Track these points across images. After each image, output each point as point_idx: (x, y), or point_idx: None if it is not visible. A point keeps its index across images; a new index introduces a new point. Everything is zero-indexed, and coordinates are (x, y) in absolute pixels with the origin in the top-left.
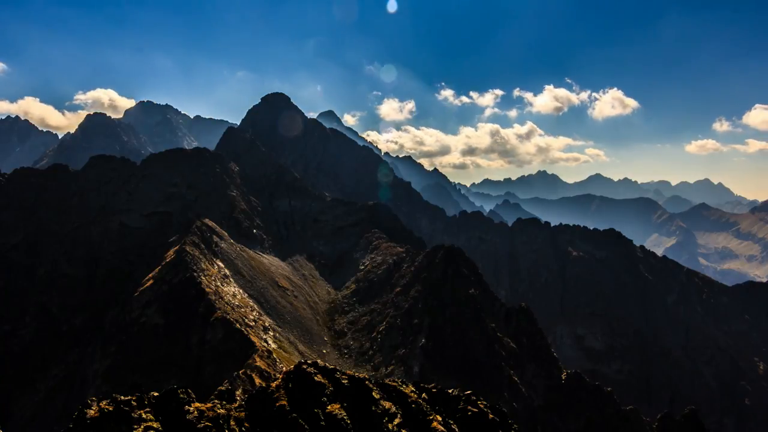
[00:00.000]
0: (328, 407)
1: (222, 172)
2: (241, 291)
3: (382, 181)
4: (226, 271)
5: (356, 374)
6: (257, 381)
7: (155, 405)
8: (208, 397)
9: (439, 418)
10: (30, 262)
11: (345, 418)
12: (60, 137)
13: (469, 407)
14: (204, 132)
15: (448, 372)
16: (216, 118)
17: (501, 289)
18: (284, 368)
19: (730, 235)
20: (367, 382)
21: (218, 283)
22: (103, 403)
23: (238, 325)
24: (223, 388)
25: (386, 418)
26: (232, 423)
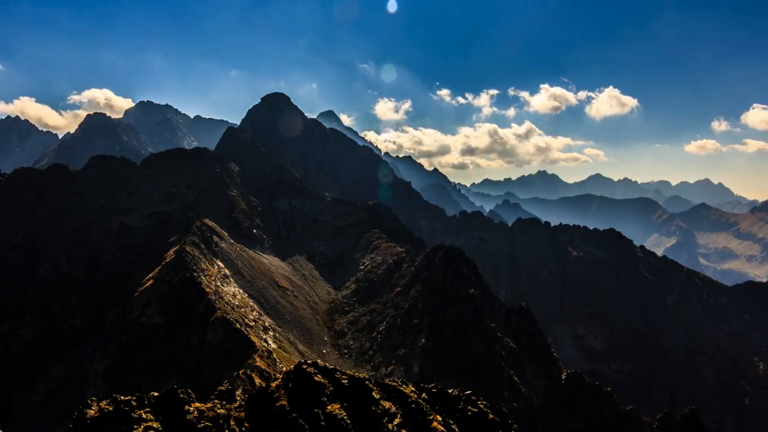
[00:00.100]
0: (328, 407)
1: (222, 172)
2: (241, 291)
3: (382, 181)
4: (226, 271)
5: (356, 374)
6: (257, 381)
7: (155, 405)
8: (208, 397)
9: (439, 418)
10: (30, 262)
11: (345, 418)
12: (60, 137)
13: (469, 407)
14: (204, 132)
15: (448, 372)
16: (216, 118)
17: (501, 289)
18: (284, 368)
19: (730, 235)
20: (367, 382)
21: (218, 283)
22: (103, 403)
23: (238, 325)
24: (223, 388)
25: (386, 418)
26: (232, 423)
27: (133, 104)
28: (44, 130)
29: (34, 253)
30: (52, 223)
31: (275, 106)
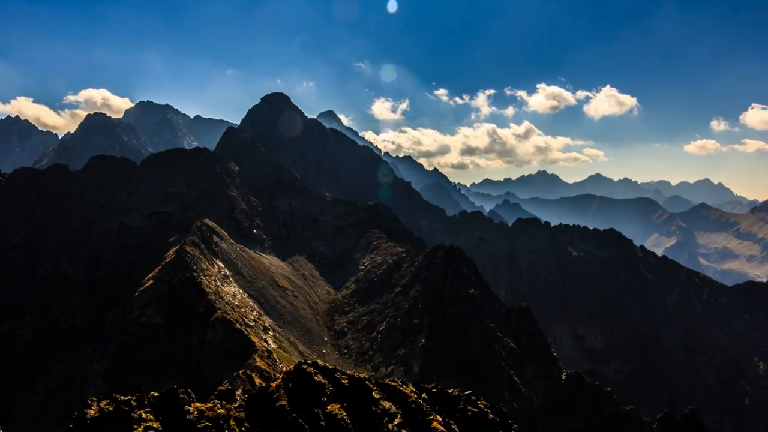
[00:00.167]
0: (328, 407)
1: (222, 172)
2: (241, 291)
3: (382, 181)
4: (226, 271)
5: (356, 374)
6: (257, 381)
7: (155, 405)
8: (208, 397)
9: (439, 418)
10: (30, 262)
11: (345, 418)
12: (60, 137)
13: (469, 407)
14: (204, 132)
15: (448, 372)
16: (216, 118)
17: (501, 289)
18: (284, 368)
19: (730, 235)
20: (367, 382)
21: (218, 283)
22: (103, 403)
23: (238, 325)
24: (223, 388)
25: (386, 418)
26: (232, 423)
27: (130, 104)
28: (44, 130)
29: (34, 253)
30: (52, 223)
31: (275, 106)
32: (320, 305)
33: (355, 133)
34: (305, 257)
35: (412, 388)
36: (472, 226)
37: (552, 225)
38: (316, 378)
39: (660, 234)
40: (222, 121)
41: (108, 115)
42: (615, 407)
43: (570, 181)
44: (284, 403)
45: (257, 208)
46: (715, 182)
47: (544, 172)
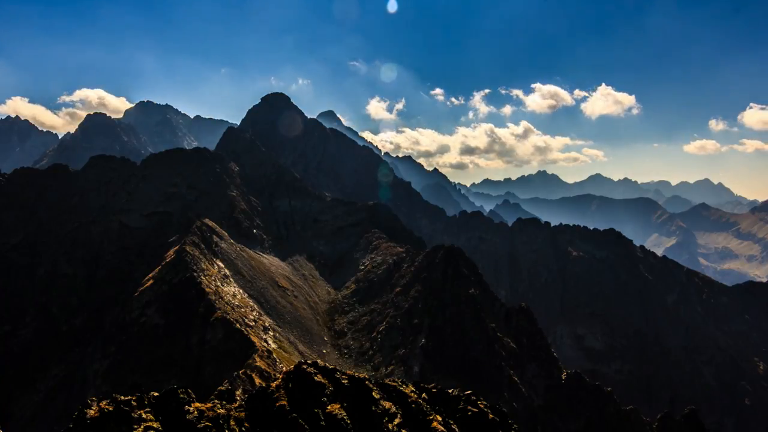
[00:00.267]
0: (328, 407)
1: (222, 172)
2: (241, 291)
3: (382, 181)
4: (226, 271)
5: (356, 374)
6: (257, 381)
7: (155, 405)
8: (208, 397)
9: (439, 418)
10: (30, 262)
11: (345, 418)
12: (60, 137)
13: (469, 407)
14: (204, 132)
15: (448, 372)
16: (216, 118)
17: (501, 289)
18: (284, 368)
19: (730, 235)
20: (367, 382)
21: (218, 283)
22: (103, 403)
23: (238, 325)
24: (223, 388)
25: (386, 418)
26: (232, 423)
27: (127, 103)
28: (44, 130)
29: (34, 253)
30: (52, 223)
31: (275, 106)
32: (320, 305)
33: (355, 133)
34: (305, 257)
35: (412, 388)
36: (472, 226)
37: (552, 225)
38: (316, 378)
39: (660, 234)
40: (222, 121)
41: (107, 115)
42: (615, 407)
43: (570, 181)
44: (284, 403)
45: (257, 208)
46: (715, 182)
47: (544, 172)
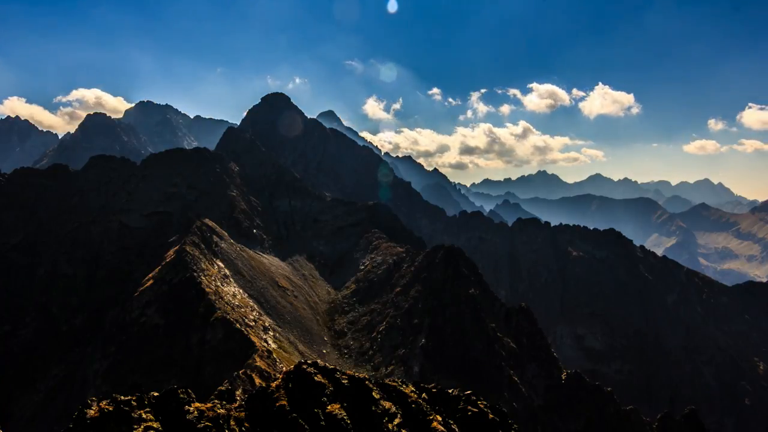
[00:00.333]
0: (328, 407)
1: (222, 172)
2: (241, 291)
3: (382, 181)
4: (226, 271)
5: (356, 374)
6: (257, 381)
7: (155, 405)
8: (208, 397)
9: (439, 418)
10: (30, 262)
11: (345, 418)
12: (60, 137)
13: (469, 407)
14: (204, 132)
15: (448, 372)
16: (216, 118)
17: (501, 289)
18: (284, 368)
19: (730, 235)
20: (367, 382)
21: (218, 283)
22: (103, 403)
23: (238, 325)
24: (223, 388)
25: (386, 418)
26: (232, 423)
27: (125, 103)
28: (44, 131)
29: (34, 253)
30: (52, 223)
31: (275, 106)
32: (320, 305)
33: (355, 133)
34: (305, 257)
35: (412, 388)
36: (472, 226)
37: (552, 225)
38: (316, 378)
39: (660, 234)
40: (222, 121)
41: (107, 114)
42: (615, 407)
43: (570, 181)
44: (284, 403)
45: (257, 208)
46: (715, 182)
47: (544, 172)
